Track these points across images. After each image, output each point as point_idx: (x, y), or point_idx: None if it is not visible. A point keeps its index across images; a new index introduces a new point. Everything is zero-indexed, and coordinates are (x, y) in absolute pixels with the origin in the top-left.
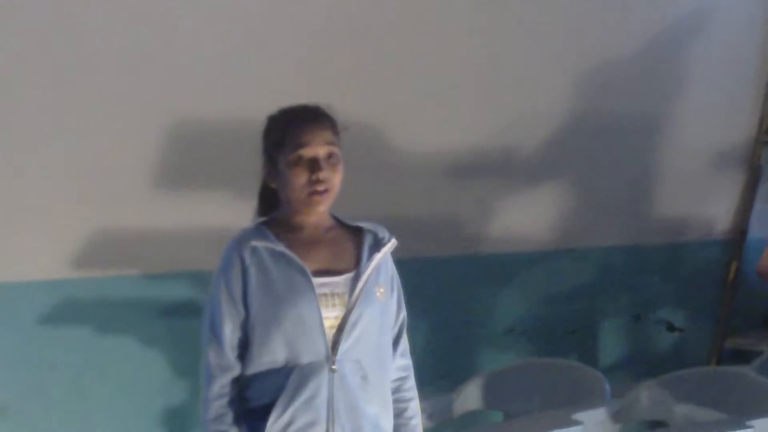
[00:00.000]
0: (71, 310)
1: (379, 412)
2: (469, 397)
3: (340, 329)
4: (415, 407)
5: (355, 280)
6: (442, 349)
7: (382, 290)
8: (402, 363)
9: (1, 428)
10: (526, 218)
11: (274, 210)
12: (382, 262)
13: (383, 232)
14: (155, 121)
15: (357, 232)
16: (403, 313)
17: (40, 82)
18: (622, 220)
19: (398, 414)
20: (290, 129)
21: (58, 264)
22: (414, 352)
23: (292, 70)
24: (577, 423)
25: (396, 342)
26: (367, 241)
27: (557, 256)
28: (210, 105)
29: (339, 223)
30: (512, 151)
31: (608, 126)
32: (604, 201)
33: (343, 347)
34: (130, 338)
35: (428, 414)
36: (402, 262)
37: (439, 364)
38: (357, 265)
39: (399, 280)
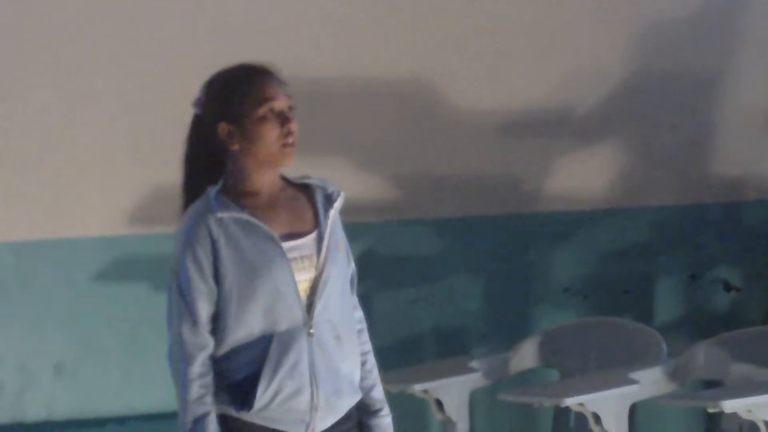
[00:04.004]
0: (127, 266)
1: (352, 369)
2: (526, 355)
3: (313, 292)
4: (372, 359)
5: (319, 239)
6: (498, 307)
7: (340, 245)
8: (357, 315)
9: (58, 384)
10: (582, 177)
11: (212, 179)
12: (335, 217)
13: (332, 187)
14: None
15: (306, 189)
16: (353, 265)
17: (97, 43)
18: (679, 178)
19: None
20: (254, 84)
21: (115, 220)
22: (470, 310)
23: (343, 29)
24: (633, 382)
25: (351, 295)
26: (319, 198)
27: (613, 215)
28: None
29: (287, 182)
30: (568, 109)
31: (665, 83)
32: (661, 159)
33: (317, 310)
34: None
35: (484, 372)
36: (457, 221)
37: (495, 322)
38: (317, 224)
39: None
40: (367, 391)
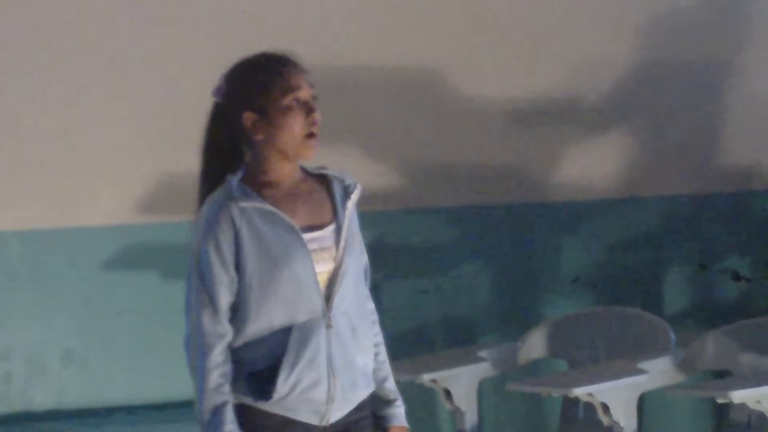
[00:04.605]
0: (136, 255)
1: (366, 360)
2: (535, 345)
3: (332, 283)
4: (384, 351)
5: (338, 231)
6: (507, 297)
7: (356, 238)
8: (370, 306)
9: (67, 374)
10: (591, 166)
11: (231, 167)
12: (352, 210)
13: (349, 179)
14: (220, 67)
15: (324, 180)
16: (366, 257)
17: (106, 31)
18: (688, 168)
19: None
20: (279, 74)
21: (124, 209)
22: (479, 300)
23: (352, 20)
24: (642, 372)
25: (364, 287)
26: (337, 189)
27: (622, 205)
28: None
29: (305, 172)
30: (576, 99)
31: (674, 73)
32: (670, 149)
33: (335, 302)
34: None
35: (493, 361)
36: (466, 210)
37: (504, 312)
38: (335, 216)
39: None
40: (380, 382)
